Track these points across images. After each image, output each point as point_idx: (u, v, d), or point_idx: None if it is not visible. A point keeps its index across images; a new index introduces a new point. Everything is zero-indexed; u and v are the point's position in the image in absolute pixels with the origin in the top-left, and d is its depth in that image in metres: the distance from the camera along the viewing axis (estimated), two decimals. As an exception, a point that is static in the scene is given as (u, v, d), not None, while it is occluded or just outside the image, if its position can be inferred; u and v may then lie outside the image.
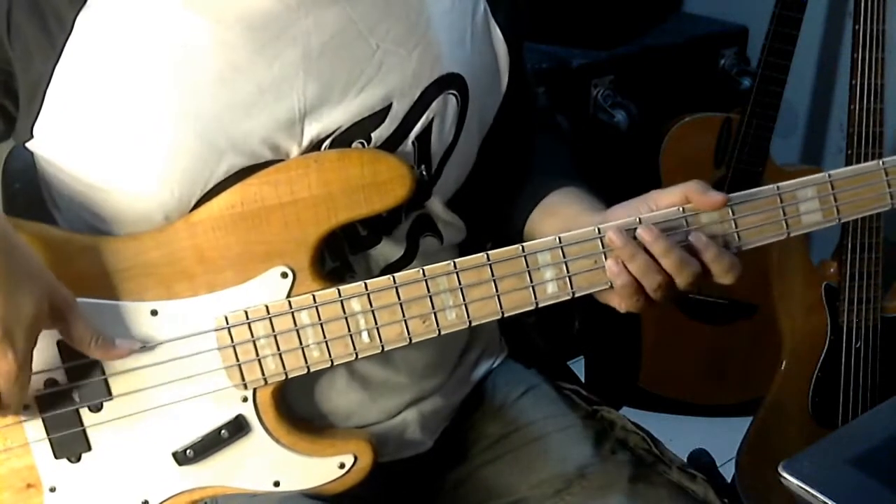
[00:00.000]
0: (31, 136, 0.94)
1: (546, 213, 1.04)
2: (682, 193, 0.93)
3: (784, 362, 1.87)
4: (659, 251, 0.90)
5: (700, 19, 2.46)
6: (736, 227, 0.93)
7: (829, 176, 0.93)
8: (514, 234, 1.05)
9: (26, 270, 0.83)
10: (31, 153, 0.98)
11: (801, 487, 0.91)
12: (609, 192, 1.07)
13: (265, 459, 0.95)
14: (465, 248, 1.09)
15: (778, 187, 0.93)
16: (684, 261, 0.90)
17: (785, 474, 0.92)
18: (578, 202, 1.02)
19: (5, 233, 0.83)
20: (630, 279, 0.91)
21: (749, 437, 1.90)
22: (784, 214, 0.93)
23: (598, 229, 0.92)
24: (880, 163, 0.94)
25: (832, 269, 1.83)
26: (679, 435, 1.58)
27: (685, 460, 1.08)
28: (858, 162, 1.72)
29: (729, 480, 1.89)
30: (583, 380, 1.27)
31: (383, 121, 0.95)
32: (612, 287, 0.92)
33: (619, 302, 0.93)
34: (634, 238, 0.91)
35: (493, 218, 1.13)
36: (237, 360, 0.92)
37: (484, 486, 1.09)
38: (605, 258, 0.92)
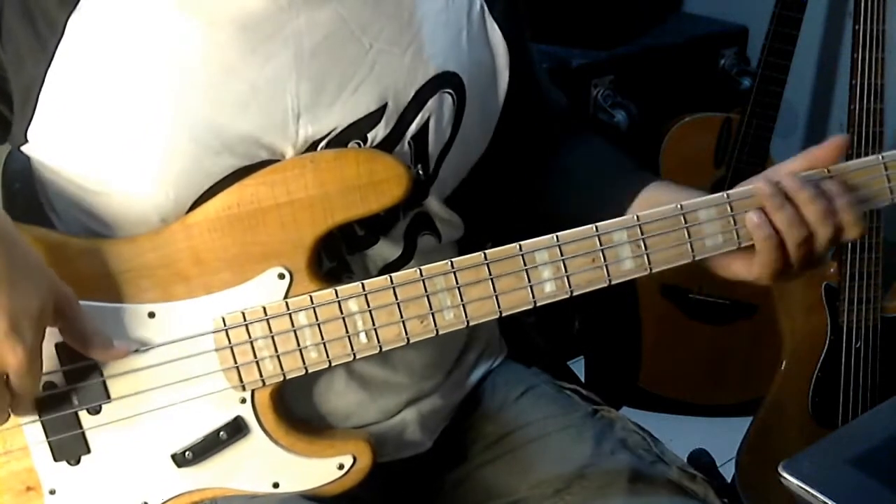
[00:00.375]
0: (26, 140, 0.94)
1: (652, 204, 0.99)
2: (803, 159, 0.92)
3: (784, 362, 1.87)
4: (805, 198, 0.89)
5: (700, 19, 2.47)
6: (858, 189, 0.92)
7: (829, 171, 0.93)
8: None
9: (31, 266, 0.83)
10: (28, 156, 0.98)
11: (801, 487, 0.91)
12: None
13: (264, 461, 0.94)
14: (462, 245, 1.09)
15: (882, 156, 0.92)
16: (827, 211, 0.89)
17: (785, 474, 0.92)
18: (683, 188, 0.99)
19: (8, 229, 0.83)
20: (772, 231, 0.89)
21: (749, 437, 1.90)
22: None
23: (596, 227, 0.91)
24: (880, 157, 0.93)
25: (832, 269, 1.83)
26: (679, 435, 1.58)
27: (685, 460, 1.08)
28: (858, 162, 1.73)
29: (729, 480, 1.89)
30: (583, 380, 1.27)
31: (379, 121, 0.95)
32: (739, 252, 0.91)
33: (755, 265, 0.92)
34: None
35: (499, 213, 1.13)
36: (235, 361, 0.92)
37: (483, 486, 1.09)
38: (604, 257, 0.91)
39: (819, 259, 0.92)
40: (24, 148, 0.95)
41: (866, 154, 1.73)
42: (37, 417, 0.91)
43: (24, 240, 0.85)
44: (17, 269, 0.81)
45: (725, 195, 0.92)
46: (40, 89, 0.90)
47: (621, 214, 0.97)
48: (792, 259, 0.91)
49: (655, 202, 0.95)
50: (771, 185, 0.90)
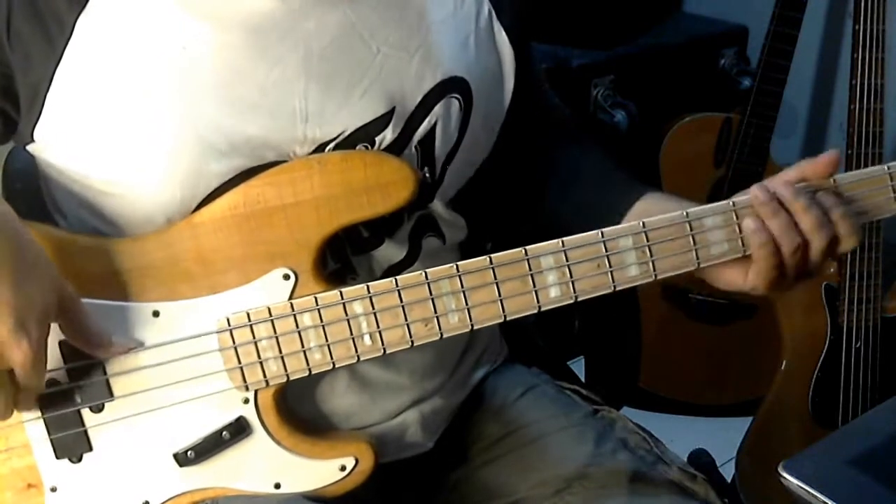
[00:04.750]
0: (32, 140, 0.94)
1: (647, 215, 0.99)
2: (796, 171, 0.93)
3: (784, 362, 1.88)
4: (799, 207, 0.89)
5: (700, 19, 2.47)
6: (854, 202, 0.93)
7: (835, 181, 0.93)
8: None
9: (36, 262, 0.83)
10: (32, 155, 0.98)
11: (801, 487, 0.91)
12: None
13: (266, 461, 0.94)
14: (466, 248, 1.09)
15: (888, 167, 0.93)
16: (822, 221, 0.90)
17: (785, 474, 0.92)
18: (678, 199, 0.99)
19: (14, 225, 0.83)
20: (768, 237, 0.90)
21: (749, 437, 1.90)
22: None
23: (602, 233, 0.92)
24: (886, 168, 0.94)
25: (832, 269, 1.83)
26: (679, 435, 1.58)
27: (685, 460, 1.08)
28: (859, 162, 1.73)
29: (729, 480, 1.90)
30: (583, 380, 1.27)
31: (387, 125, 0.95)
32: (741, 257, 0.92)
33: (751, 273, 0.92)
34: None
35: (501, 216, 1.14)
36: (239, 361, 0.92)
37: (484, 486, 1.09)
38: (609, 263, 0.91)
39: (814, 269, 0.93)
40: (30, 147, 0.95)
41: (866, 154, 1.74)
42: (39, 414, 0.91)
43: (30, 236, 0.85)
44: (23, 266, 0.81)
45: (731, 203, 0.93)
46: (48, 89, 0.90)
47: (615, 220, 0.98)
48: (787, 267, 0.92)
49: (649, 214, 0.96)
50: (765, 193, 0.90)
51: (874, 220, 0.94)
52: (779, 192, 0.91)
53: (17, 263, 0.81)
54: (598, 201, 1.06)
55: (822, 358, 1.85)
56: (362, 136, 0.94)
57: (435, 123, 0.97)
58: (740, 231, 0.92)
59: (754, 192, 0.91)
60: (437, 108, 0.97)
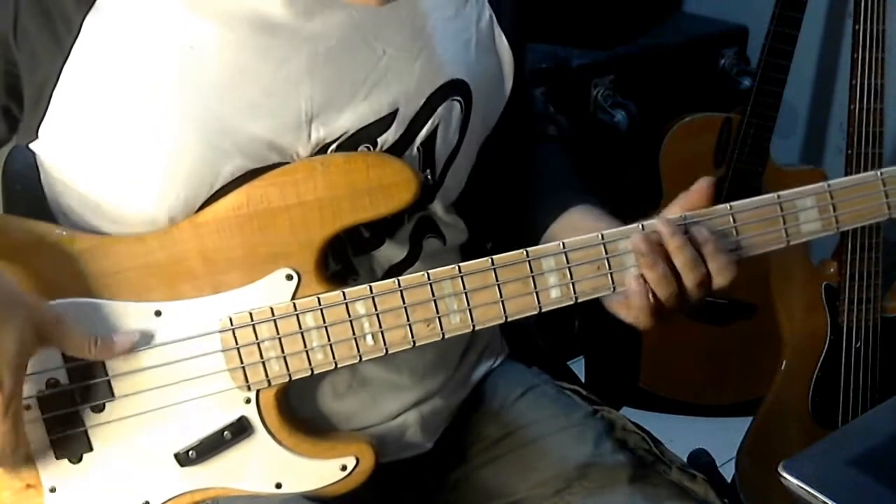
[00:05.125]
0: (36, 137, 0.94)
1: (568, 230, 1.03)
2: (677, 206, 0.94)
3: (784, 362, 1.88)
4: (675, 245, 0.91)
5: (700, 19, 2.46)
6: (737, 234, 0.94)
7: (829, 186, 0.94)
8: (531, 243, 1.06)
9: (3, 302, 0.83)
10: (33, 154, 0.97)
11: (801, 487, 0.91)
12: (609, 192, 1.07)
13: (267, 461, 0.95)
14: (466, 249, 1.09)
15: (778, 196, 0.94)
16: (695, 259, 0.91)
17: (785, 474, 0.92)
18: (598, 221, 1.01)
19: None
20: (645, 293, 0.92)
21: (749, 437, 1.90)
22: (784, 223, 0.94)
23: (602, 235, 0.92)
24: (878, 173, 0.95)
25: (832, 269, 1.83)
26: (679, 435, 1.58)
27: (685, 460, 1.08)
28: (858, 162, 1.73)
29: (729, 480, 1.90)
30: (583, 380, 1.27)
31: (389, 126, 0.95)
32: (620, 295, 0.94)
33: (630, 311, 0.94)
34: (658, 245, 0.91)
35: (494, 219, 1.14)
36: (241, 361, 0.92)
37: (484, 486, 1.09)
38: (609, 265, 0.92)
39: (691, 302, 0.94)
40: (33, 145, 0.95)
41: (866, 154, 1.74)
42: (39, 414, 0.91)
43: None
44: None
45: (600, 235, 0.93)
46: (54, 88, 0.90)
47: (541, 231, 1.03)
48: (664, 308, 0.93)
49: (571, 227, 1.00)
50: (647, 244, 0.91)
51: (763, 251, 0.95)
52: (659, 231, 0.91)
53: None
54: (541, 204, 1.08)
55: (822, 358, 1.85)
56: (364, 137, 0.94)
57: (437, 126, 0.98)
58: (610, 267, 0.93)
59: (636, 243, 0.92)
60: (440, 111, 0.97)
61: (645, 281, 0.92)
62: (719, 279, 0.93)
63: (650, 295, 0.92)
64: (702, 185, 0.94)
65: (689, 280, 0.92)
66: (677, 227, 0.92)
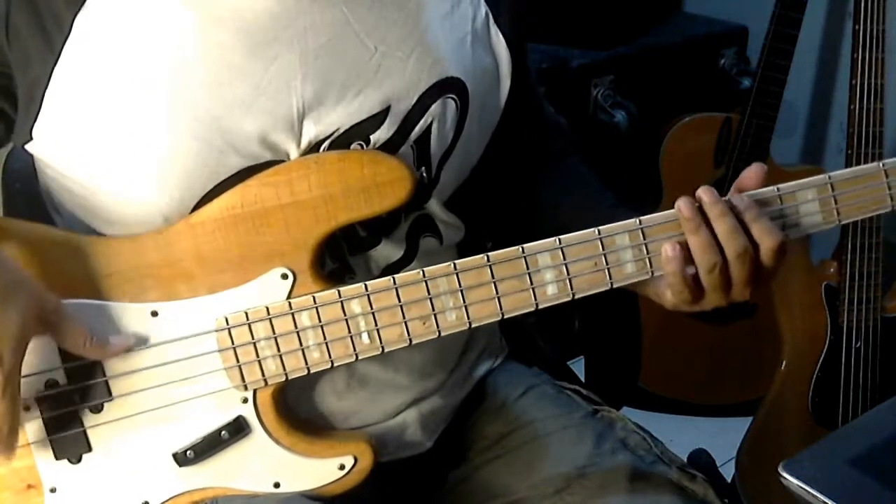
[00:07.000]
0: (31, 138, 0.94)
1: None
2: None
3: (784, 362, 1.87)
4: (716, 213, 0.89)
5: (700, 19, 2.47)
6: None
7: (830, 178, 0.93)
8: None
9: (9, 281, 0.83)
10: (31, 154, 0.98)
11: (801, 487, 0.91)
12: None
13: (265, 460, 0.95)
14: (463, 248, 1.09)
15: (778, 188, 0.93)
16: (736, 228, 0.89)
17: (785, 474, 0.92)
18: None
19: None
20: (680, 266, 0.90)
21: (749, 437, 1.90)
22: (784, 216, 0.93)
23: (599, 231, 0.92)
24: (881, 164, 0.94)
25: (832, 269, 1.83)
26: (679, 435, 1.58)
27: (685, 460, 1.08)
28: (858, 162, 1.73)
29: (729, 480, 1.90)
30: (583, 380, 1.27)
31: (382, 123, 0.95)
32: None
33: (668, 291, 0.93)
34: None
35: (494, 219, 1.13)
36: (237, 361, 0.92)
37: (483, 485, 1.09)
38: (606, 261, 0.92)
39: (737, 286, 0.92)
40: (28, 146, 0.95)
41: (866, 154, 1.74)
42: (38, 415, 0.91)
43: (3, 253, 0.84)
44: None
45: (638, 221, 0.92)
46: (46, 88, 0.90)
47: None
48: (706, 286, 0.91)
49: None
50: (689, 208, 0.90)
51: (807, 233, 0.94)
52: (700, 198, 0.90)
53: None
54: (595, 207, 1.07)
55: (822, 358, 1.85)
56: (357, 134, 0.94)
57: (431, 123, 0.97)
58: (648, 252, 0.92)
59: (679, 205, 0.90)
60: (434, 108, 0.97)
61: (682, 249, 0.90)
62: (766, 241, 0.90)
63: (684, 270, 0.90)
64: (755, 169, 0.92)
65: (731, 249, 0.89)
66: (719, 197, 0.90)
